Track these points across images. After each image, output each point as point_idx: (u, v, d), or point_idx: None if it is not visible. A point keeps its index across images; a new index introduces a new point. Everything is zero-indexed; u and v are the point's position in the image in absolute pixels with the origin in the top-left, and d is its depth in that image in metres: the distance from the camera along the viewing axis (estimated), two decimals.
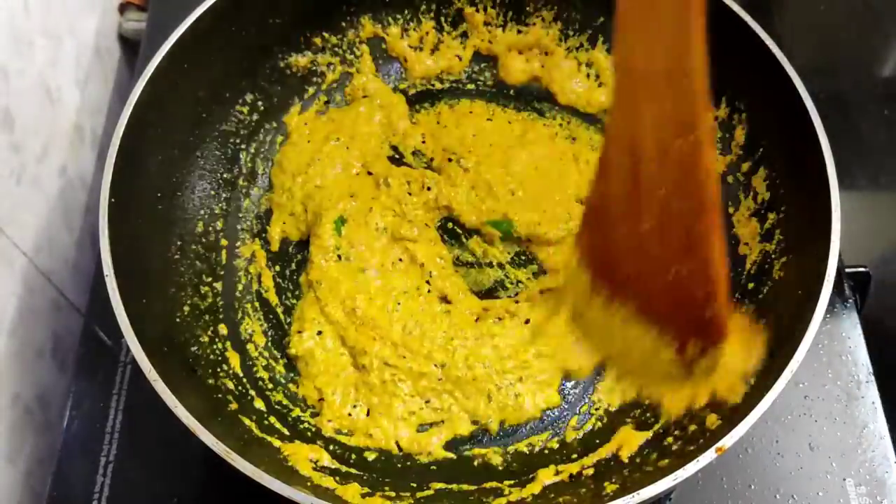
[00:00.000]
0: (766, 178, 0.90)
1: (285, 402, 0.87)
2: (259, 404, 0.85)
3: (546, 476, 0.80)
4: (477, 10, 1.07)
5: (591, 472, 0.79)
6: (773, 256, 0.86)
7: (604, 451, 0.81)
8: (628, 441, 0.81)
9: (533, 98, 1.07)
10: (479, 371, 0.86)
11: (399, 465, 0.83)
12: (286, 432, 0.83)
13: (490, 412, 0.85)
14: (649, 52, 0.59)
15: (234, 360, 0.88)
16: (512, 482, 0.80)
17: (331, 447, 0.83)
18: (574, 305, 0.79)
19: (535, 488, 0.79)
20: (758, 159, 0.91)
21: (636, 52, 0.60)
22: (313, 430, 0.85)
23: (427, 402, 0.86)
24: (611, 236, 0.70)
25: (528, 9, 1.06)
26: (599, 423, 0.85)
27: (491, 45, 1.08)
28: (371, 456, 0.83)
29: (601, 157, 0.68)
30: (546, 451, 0.84)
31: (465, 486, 0.80)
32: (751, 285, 0.87)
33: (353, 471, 0.80)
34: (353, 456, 0.83)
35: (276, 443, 0.81)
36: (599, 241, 0.72)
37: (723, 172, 0.95)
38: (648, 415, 0.83)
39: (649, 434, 0.80)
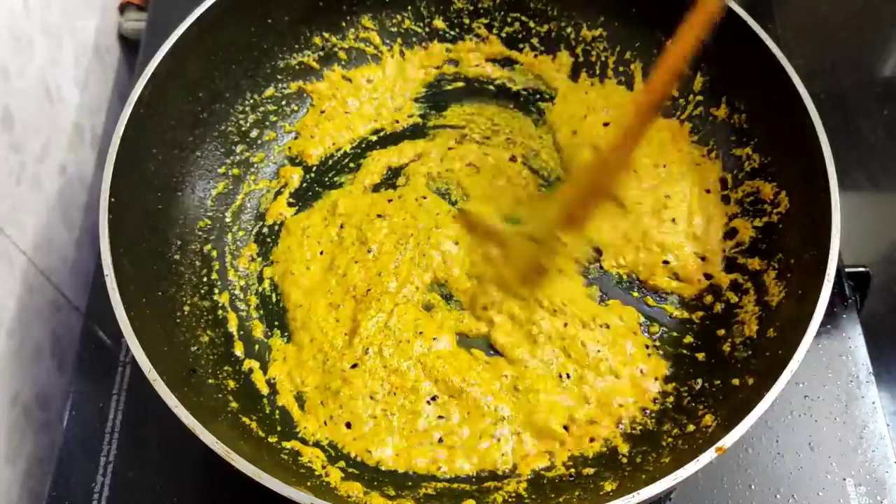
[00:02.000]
0: (765, 178, 0.90)
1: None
2: (260, 403, 0.85)
3: (537, 461, 0.80)
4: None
5: (591, 471, 0.79)
6: (772, 256, 0.86)
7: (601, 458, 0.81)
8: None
9: (537, 98, 1.07)
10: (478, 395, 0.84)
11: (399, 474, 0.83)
12: (287, 431, 0.83)
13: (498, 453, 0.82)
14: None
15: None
16: (511, 480, 0.80)
17: (330, 448, 0.83)
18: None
19: (524, 471, 0.80)
20: (757, 159, 0.91)
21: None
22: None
23: (440, 440, 0.82)
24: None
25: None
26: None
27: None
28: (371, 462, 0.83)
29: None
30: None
31: (465, 486, 0.80)
32: (749, 285, 0.87)
33: (354, 471, 0.80)
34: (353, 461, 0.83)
35: (277, 442, 0.81)
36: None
37: (722, 172, 0.95)
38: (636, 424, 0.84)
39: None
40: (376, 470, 0.81)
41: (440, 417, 0.83)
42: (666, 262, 0.91)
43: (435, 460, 0.81)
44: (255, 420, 0.82)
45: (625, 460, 0.79)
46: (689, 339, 0.88)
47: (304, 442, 0.82)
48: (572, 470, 0.80)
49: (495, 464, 0.81)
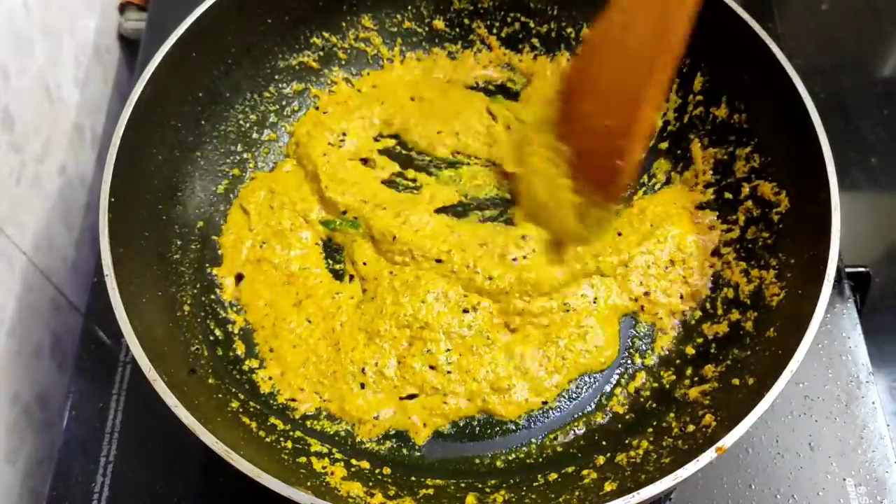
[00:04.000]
0: (765, 178, 0.90)
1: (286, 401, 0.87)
2: (260, 403, 0.85)
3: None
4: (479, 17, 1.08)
5: (591, 471, 0.79)
6: (772, 256, 0.86)
7: (600, 458, 0.81)
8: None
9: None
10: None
11: (403, 462, 0.83)
12: (287, 430, 0.83)
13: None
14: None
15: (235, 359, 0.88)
16: (513, 481, 0.80)
17: (331, 448, 0.83)
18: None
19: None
20: (757, 159, 0.91)
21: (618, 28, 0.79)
22: (317, 429, 0.85)
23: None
24: (575, 91, 0.87)
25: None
26: (603, 424, 0.85)
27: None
28: (376, 448, 0.84)
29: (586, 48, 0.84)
30: (550, 455, 0.84)
31: (462, 484, 0.80)
32: (751, 287, 0.87)
33: (349, 467, 0.80)
34: (354, 461, 0.83)
35: (277, 442, 0.81)
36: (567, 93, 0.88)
37: (722, 172, 0.95)
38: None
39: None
40: (382, 461, 0.82)
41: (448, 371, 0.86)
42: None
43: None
44: (255, 420, 0.81)
45: (625, 460, 0.79)
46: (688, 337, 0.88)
47: (305, 441, 0.82)
48: (571, 469, 0.80)
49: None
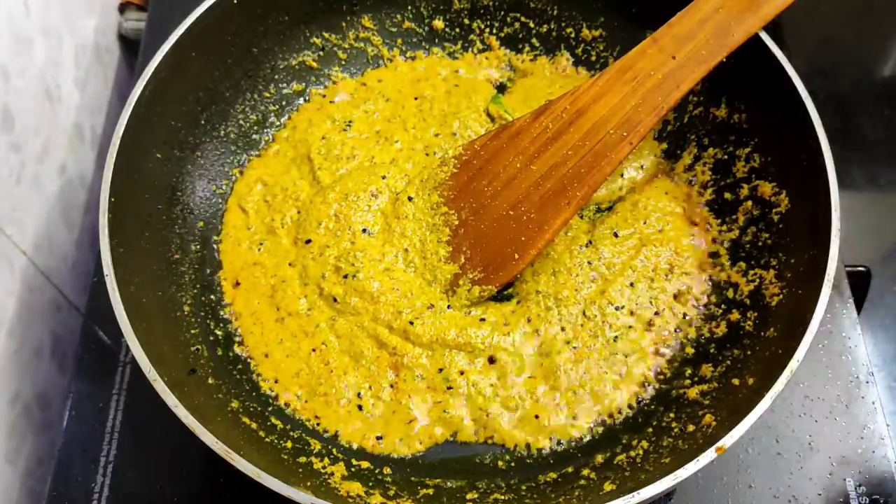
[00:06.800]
0: (765, 178, 0.90)
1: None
2: (260, 403, 0.85)
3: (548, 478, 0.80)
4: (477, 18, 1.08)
5: (591, 471, 0.79)
6: (772, 256, 0.86)
7: (600, 458, 0.81)
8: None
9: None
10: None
11: (403, 462, 0.83)
12: (287, 430, 0.83)
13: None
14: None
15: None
16: (513, 481, 0.80)
17: (330, 447, 0.83)
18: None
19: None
20: (757, 159, 0.91)
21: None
22: (318, 430, 0.85)
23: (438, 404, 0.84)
24: (479, 171, 0.90)
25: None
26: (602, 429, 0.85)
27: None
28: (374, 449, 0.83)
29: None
30: (550, 455, 0.84)
31: (462, 484, 0.80)
32: (751, 287, 0.87)
33: (354, 460, 0.80)
34: (354, 461, 0.83)
35: (277, 442, 0.81)
36: (468, 170, 0.91)
37: (721, 172, 0.95)
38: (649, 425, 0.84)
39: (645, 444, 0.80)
40: (380, 468, 0.81)
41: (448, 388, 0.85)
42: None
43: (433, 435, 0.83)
44: (255, 420, 0.81)
45: (625, 460, 0.79)
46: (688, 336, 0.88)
47: (305, 441, 0.82)
48: (571, 469, 0.80)
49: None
